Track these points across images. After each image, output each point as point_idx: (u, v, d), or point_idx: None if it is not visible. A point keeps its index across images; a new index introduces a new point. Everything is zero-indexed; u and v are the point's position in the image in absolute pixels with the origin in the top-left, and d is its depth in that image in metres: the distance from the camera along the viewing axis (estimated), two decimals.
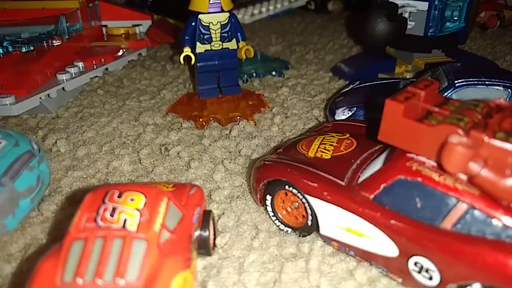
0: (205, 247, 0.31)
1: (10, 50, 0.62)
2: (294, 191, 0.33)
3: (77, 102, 0.59)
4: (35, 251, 0.34)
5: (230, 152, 0.46)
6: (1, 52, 0.62)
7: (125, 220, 0.26)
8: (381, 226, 0.29)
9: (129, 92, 0.62)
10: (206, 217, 0.32)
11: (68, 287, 0.24)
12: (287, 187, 0.34)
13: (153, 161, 0.45)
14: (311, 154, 0.35)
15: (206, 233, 0.31)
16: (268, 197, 0.35)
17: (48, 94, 0.55)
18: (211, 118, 0.52)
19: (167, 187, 0.33)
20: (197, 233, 0.31)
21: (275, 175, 0.34)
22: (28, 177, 0.36)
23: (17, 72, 0.55)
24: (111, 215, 0.26)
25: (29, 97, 0.53)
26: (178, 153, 0.46)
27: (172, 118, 0.54)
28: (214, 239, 0.33)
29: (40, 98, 0.54)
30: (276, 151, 0.37)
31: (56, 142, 0.48)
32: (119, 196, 0.28)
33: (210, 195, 0.39)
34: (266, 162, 0.35)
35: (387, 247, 0.29)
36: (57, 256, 0.25)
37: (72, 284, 0.24)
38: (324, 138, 0.37)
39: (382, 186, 0.29)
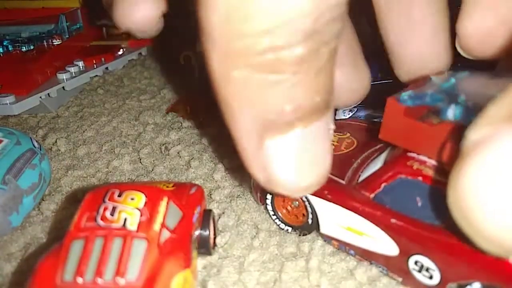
0: (205, 247, 0.31)
1: (10, 49, 0.62)
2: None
3: (77, 101, 0.59)
4: (35, 250, 0.34)
5: (230, 151, 0.46)
6: (1, 51, 0.62)
7: (125, 220, 0.26)
8: (382, 225, 0.28)
9: (129, 92, 0.62)
10: (207, 217, 0.32)
11: (69, 286, 0.24)
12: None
13: (153, 161, 0.45)
14: None
15: (206, 233, 0.31)
16: (269, 196, 0.35)
17: (48, 94, 0.55)
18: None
19: (167, 187, 0.33)
20: (197, 232, 0.31)
21: None
22: (31, 175, 0.37)
23: (17, 71, 0.55)
24: (111, 215, 0.26)
25: (29, 96, 0.53)
26: (178, 153, 0.46)
27: (172, 118, 0.54)
28: (214, 238, 0.33)
29: (40, 97, 0.54)
30: None
31: (56, 142, 0.48)
32: (119, 196, 0.28)
33: (210, 194, 0.39)
34: None
35: (388, 246, 0.29)
36: (57, 255, 0.25)
37: (72, 283, 0.24)
38: None
39: (382, 185, 0.29)
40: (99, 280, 0.24)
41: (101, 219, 0.26)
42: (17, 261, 0.33)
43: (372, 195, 0.29)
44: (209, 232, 0.31)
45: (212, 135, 0.49)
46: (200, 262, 0.32)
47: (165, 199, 0.28)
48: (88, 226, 0.26)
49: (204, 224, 0.31)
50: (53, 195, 0.40)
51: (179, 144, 0.47)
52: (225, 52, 0.20)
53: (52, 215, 0.37)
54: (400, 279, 0.29)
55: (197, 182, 0.41)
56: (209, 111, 0.52)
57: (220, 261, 0.32)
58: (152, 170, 0.43)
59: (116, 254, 0.25)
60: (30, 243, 0.34)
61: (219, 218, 0.36)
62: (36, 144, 0.39)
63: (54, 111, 0.56)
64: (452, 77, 0.29)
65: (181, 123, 0.52)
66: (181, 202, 0.31)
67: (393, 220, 0.28)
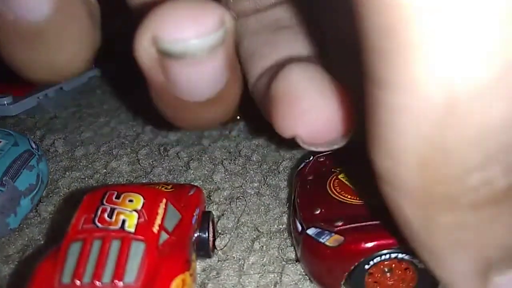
0: (204, 249, 0.31)
1: None
2: (401, 255, 0.26)
3: (75, 102, 0.58)
4: (33, 252, 0.33)
5: (230, 153, 0.46)
6: None
7: (123, 221, 0.26)
8: None
9: (128, 92, 0.61)
10: (206, 219, 0.32)
11: None
12: (391, 255, 0.26)
13: (152, 162, 0.45)
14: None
15: (205, 235, 0.31)
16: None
17: (46, 94, 0.55)
18: None
19: (166, 188, 0.32)
20: (196, 234, 0.30)
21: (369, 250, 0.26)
22: (28, 176, 0.36)
23: (15, 72, 0.55)
24: (109, 217, 0.26)
25: (27, 97, 0.53)
26: (177, 154, 0.46)
27: None
28: (214, 240, 0.33)
29: (38, 98, 0.54)
30: (314, 216, 0.29)
31: (54, 143, 0.48)
32: (117, 197, 0.27)
33: (210, 196, 0.39)
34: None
35: None
36: (55, 258, 0.25)
37: (70, 285, 0.24)
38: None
39: None
40: (97, 283, 0.24)
41: (99, 221, 0.26)
42: (14, 263, 0.32)
43: None
44: (208, 234, 0.31)
45: (212, 136, 0.49)
46: (199, 264, 0.32)
47: (164, 201, 0.28)
48: (86, 228, 0.26)
49: (203, 226, 0.31)
50: (50, 196, 0.39)
51: (178, 145, 0.47)
52: (424, 201, 0.18)
53: (50, 216, 0.37)
54: None
55: (196, 184, 0.40)
56: None
57: (219, 263, 0.32)
58: (151, 171, 0.43)
59: (114, 257, 0.25)
60: (28, 245, 0.34)
61: (219, 220, 0.36)
62: (33, 145, 0.39)
63: (52, 111, 0.55)
64: None
65: None
66: (180, 204, 0.30)
67: None
